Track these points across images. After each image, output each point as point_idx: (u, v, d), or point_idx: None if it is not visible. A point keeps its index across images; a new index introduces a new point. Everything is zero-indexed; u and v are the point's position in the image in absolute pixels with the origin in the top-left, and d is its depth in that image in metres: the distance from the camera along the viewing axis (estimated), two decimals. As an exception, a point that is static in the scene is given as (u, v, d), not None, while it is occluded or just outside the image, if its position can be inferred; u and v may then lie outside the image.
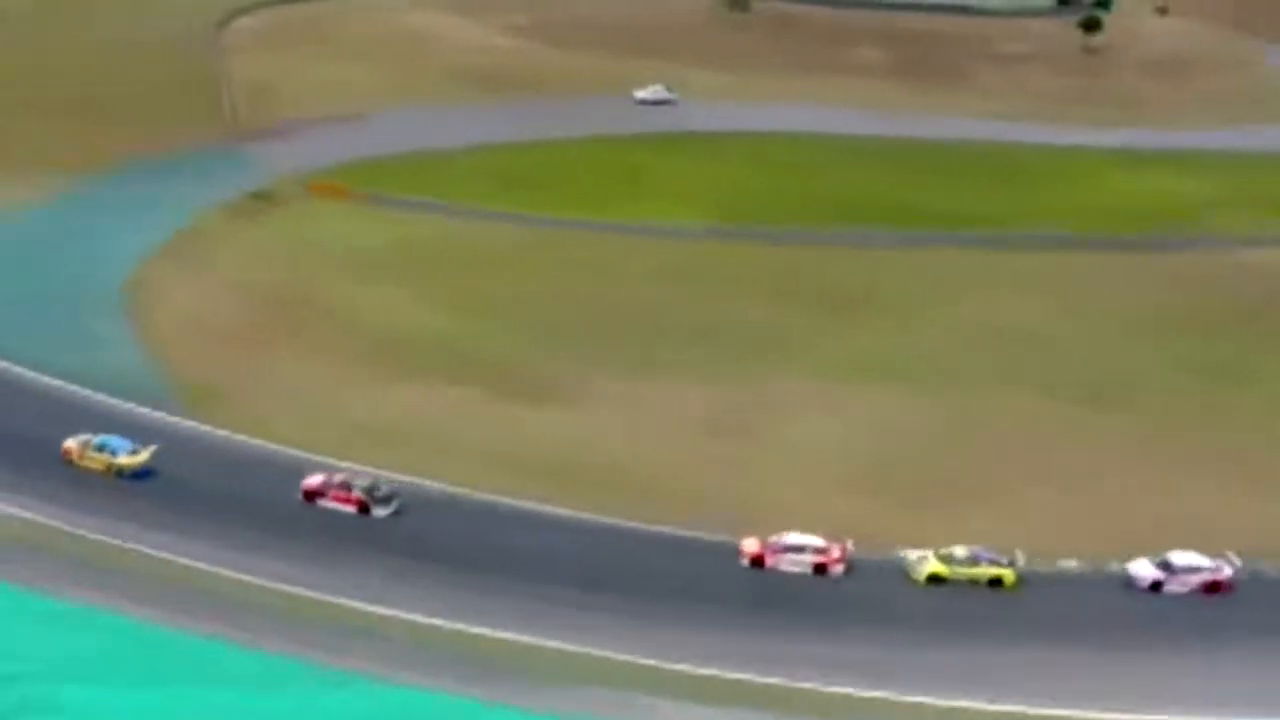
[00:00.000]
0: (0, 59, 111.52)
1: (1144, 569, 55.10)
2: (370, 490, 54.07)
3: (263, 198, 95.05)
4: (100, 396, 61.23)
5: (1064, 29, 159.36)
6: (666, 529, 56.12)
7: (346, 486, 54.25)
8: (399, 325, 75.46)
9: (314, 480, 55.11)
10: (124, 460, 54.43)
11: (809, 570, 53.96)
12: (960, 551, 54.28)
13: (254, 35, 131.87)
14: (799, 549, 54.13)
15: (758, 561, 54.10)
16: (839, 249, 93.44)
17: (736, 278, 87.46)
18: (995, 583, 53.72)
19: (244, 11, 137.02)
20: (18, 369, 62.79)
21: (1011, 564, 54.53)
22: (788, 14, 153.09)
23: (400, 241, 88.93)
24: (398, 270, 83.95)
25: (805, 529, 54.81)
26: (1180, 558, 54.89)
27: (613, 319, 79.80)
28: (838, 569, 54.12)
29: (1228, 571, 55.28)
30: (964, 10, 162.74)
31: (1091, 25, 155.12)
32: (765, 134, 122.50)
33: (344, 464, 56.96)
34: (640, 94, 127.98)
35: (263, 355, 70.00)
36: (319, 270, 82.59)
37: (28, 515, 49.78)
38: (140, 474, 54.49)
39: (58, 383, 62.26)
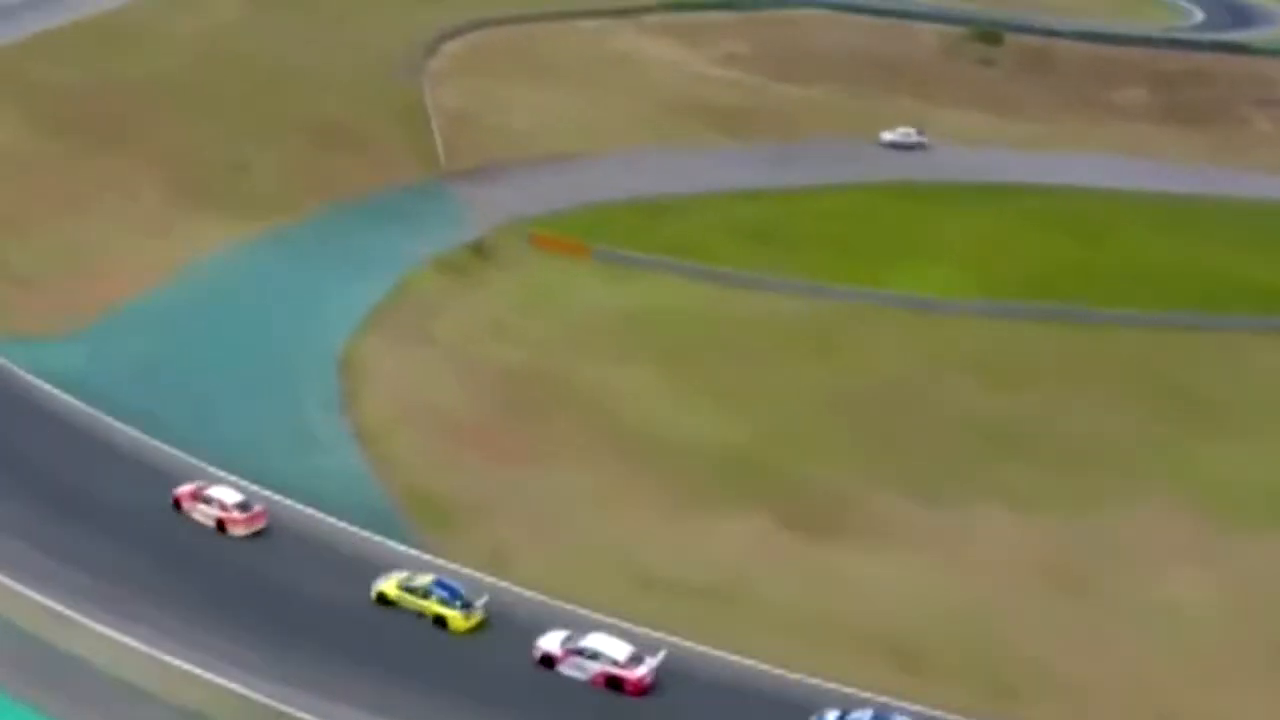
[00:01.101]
0: (202, 82, 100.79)
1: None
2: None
3: (481, 252, 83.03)
4: (330, 521, 48.83)
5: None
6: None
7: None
8: (659, 423, 62.51)
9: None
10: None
11: None
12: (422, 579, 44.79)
13: (461, 61, 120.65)
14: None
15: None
16: (1169, 332, 77.35)
17: (1050, 369, 72.71)
18: (440, 621, 43.68)
19: (451, 35, 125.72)
20: (243, 482, 50.55)
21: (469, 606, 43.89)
22: (1039, 49, 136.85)
23: (644, 311, 76.11)
24: (646, 347, 71.12)
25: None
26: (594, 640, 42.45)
27: (904, 421, 65.80)
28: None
29: (640, 671, 41.87)
30: (1235, 49, 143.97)
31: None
32: (1035, 186, 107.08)
33: (619, 622, 43.62)
34: (888, 136, 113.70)
35: (502, 459, 57.36)
36: (556, 346, 70.08)
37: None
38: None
39: (287, 501, 50.09)
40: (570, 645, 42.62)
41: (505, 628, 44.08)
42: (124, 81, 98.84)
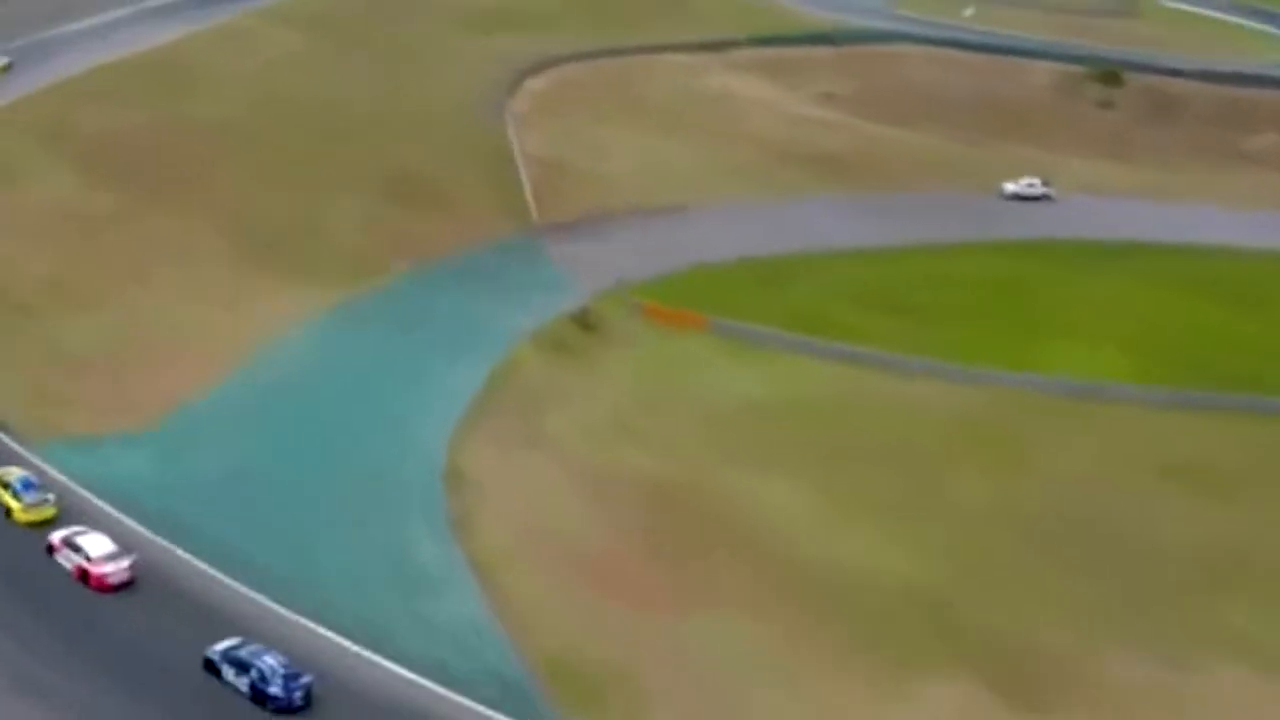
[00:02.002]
0: (265, 126, 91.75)
1: None
2: None
3: (587, 324, 73.35)
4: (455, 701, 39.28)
5: None
6: None
7: None
8: (823, 552, 53.02)
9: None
10: None
11: None
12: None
13: (545, 100, 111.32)
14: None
15: None
16: None
17: (1256, 473, 62.20)
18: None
19: (531, 71, 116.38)
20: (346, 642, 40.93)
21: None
22: (1162, 90, 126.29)
23: (780, 401, 66.60)
24: (790, 449, 61.48)
25: None
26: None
27: (1107, 548, 55.58)
28: None
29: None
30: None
31: None
32: (1176, 245, 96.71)
33: None
34: (1010, 187, 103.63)
35: (649, 605, 47.65)
36: (688, 449, 60.43)
37: None
38: None
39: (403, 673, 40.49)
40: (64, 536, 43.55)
41: None
42: (182, 126, 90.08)
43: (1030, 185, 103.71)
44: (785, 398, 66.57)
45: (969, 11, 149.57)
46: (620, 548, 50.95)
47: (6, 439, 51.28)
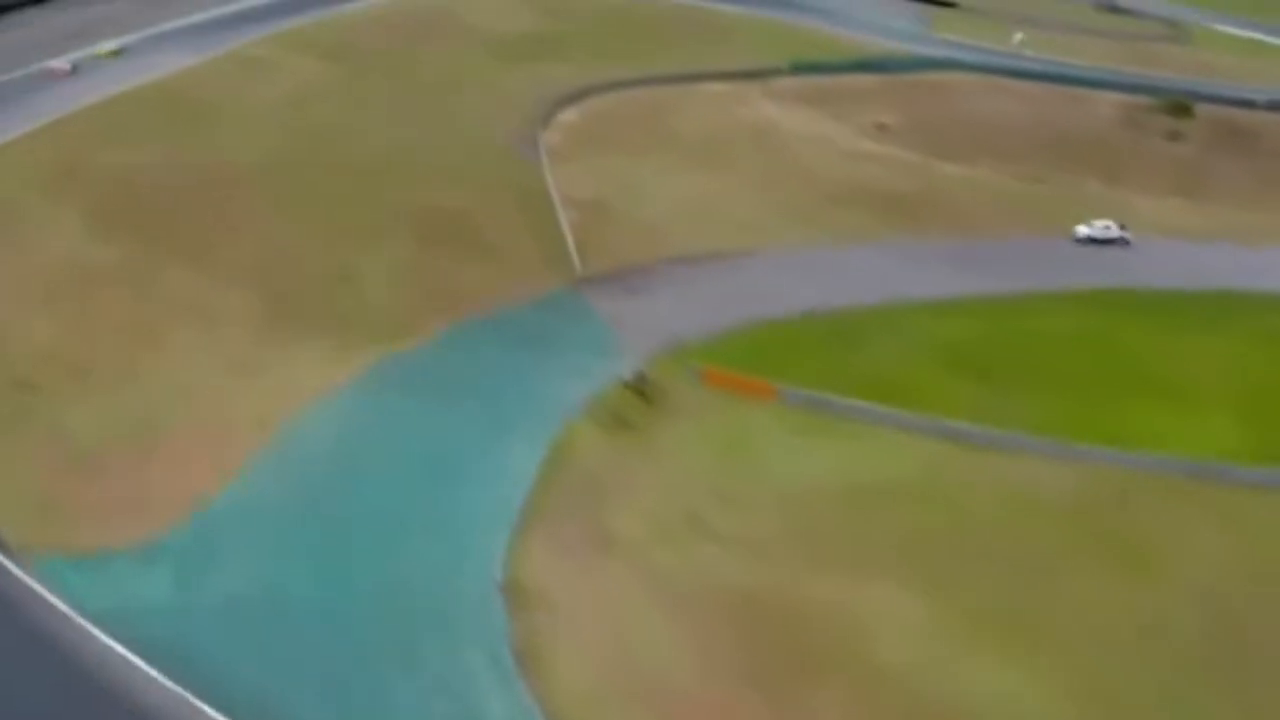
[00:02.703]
0: (289, 165, 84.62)
1: None
2: None
3: (644, 394, 65.95)
4: None
5: None
6: None
7: None
8: (949, 685, 44.89)
9: None
10: None
11: None
12: None
13: (581, 134, 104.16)
14: None
15: None
16: None
17: None
18: None
19: (564, 102, 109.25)
20: None
21: None
22: (1234, 122, 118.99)
23: (868, 486, 59.46)
24: (887, 547, 54.43)
25: None
26: None
27: (1265, 679, 47.55)
28: None
29: None
30: None
31: None
32: (1271, 295, 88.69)
33: None
34: (1084, 230, 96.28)
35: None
36: (774, 550, 53.27)
37: None
38: None
39: None
40: None
41: None
42: (198, 167, 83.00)
43: (1106, 228, 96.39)
44: (872, 481, 59.18)
45: (1019, 37, 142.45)
46: (713, 680, 43.42)
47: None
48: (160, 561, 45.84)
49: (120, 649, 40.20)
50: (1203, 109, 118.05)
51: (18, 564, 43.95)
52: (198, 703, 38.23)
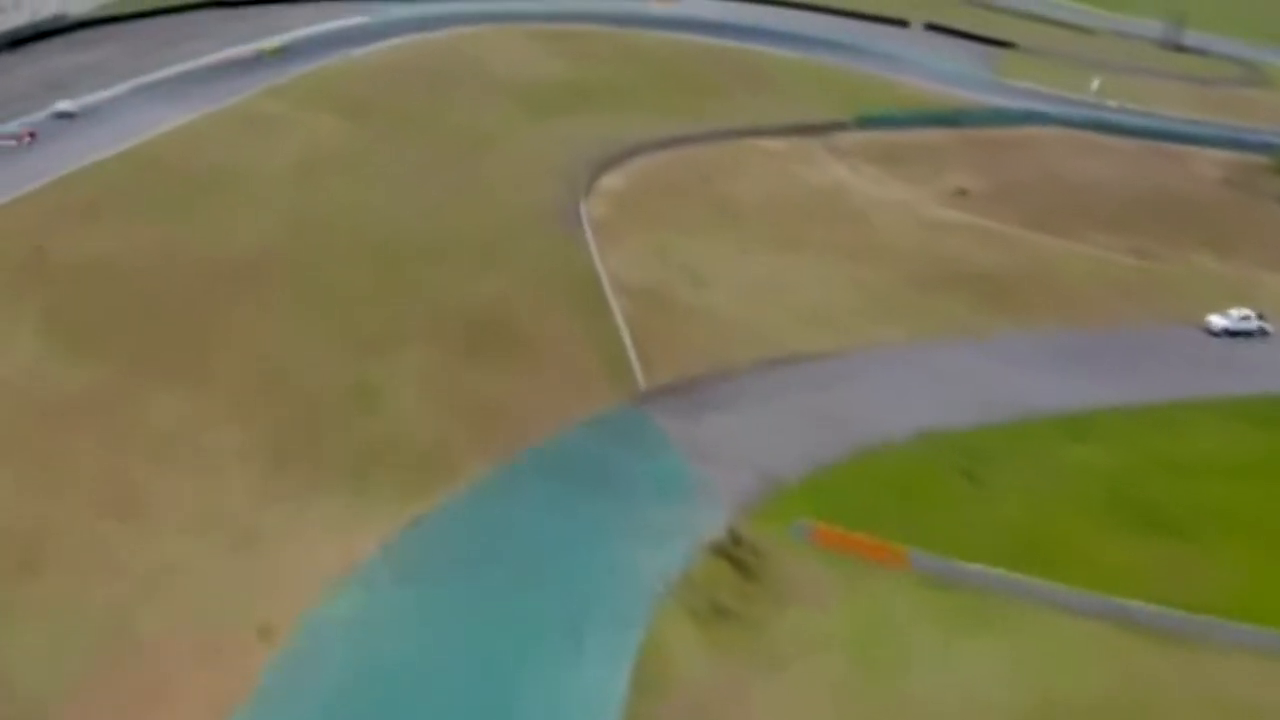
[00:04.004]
0: (298, 251, 71.08)
1: None
2: None
3: (742, 564, 52.10)
4: None
5: None
6: None
7: None
8: None
9: None
10: None
11: None
12: None
13: (628, 203, 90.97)
14: None
15: None
16: None
17: None
18: None
19: (607, 165, 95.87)
20: None
21: None
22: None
23: (1051, 705, 44.64)
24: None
25: None
26: None
27: None
28: None
29: None
30: None
31: None
32: None
33: None
34: (1219, 321, 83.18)
35: None
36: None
37: None
38: None
39: None
40: None
41: None
42: (190, 257, 69.65)
43: (1244, 319, 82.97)
44: (1055, 698, 45.28)
45: (1096, 83, 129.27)
46: None
47: None
48: None
49: None
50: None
51: None
52: None
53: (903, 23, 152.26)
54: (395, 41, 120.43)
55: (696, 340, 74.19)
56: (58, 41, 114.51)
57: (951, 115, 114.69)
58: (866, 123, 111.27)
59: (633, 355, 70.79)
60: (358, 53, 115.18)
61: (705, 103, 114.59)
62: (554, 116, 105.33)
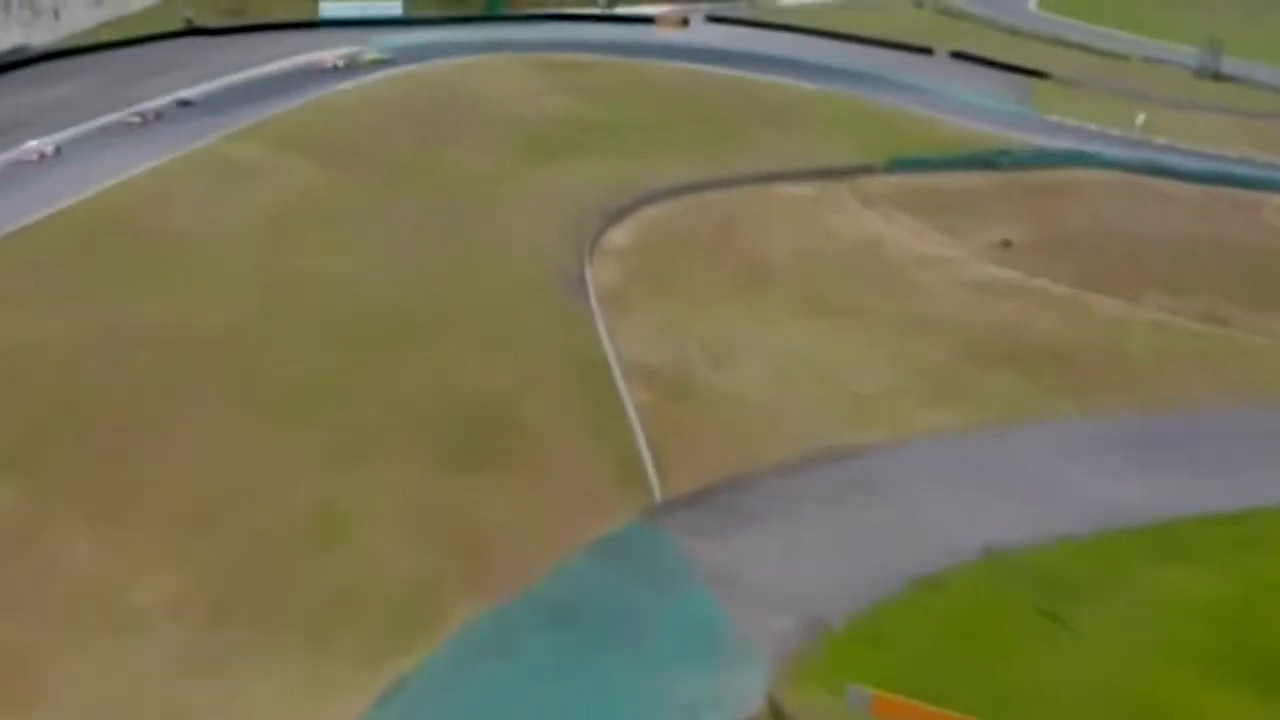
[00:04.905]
0: (260, 335, 60.91)
1: None
2: None
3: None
4: None
5: None
6: None
7: None
8: None
9: None
10: None
11: None
12: None
13: (638, 262, 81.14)
14: None
15: None
16: None
17: None
18: None
19: (614, 217, 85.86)
20: None
21: None
22: None
23: None
24: None
25: None
26: None
27: None
28: None
29: None
30: None
31: None
32: None
33: None
34: (1313, 403, 72.07)
35: None
36: None
37: None
38: None
39: None
40: None
41: None
42: (125, 342, 59.31)
43: (1339, 399, 72.41)
44: None
45: (1141, 118, 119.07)
46: None
47: None
48: None
49: None
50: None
51: None
52: None
53: (927, 50, 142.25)
54: (383, 74, 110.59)
55: (720, 434, 64.04)
56: (15, 77, 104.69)
57: (989, 156, 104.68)
58: (897, 165, 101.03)
59: (647, 457, 60.68)
60: (341, 87, 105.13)
61: (721, 142, 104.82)
62: (556, 159, 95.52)
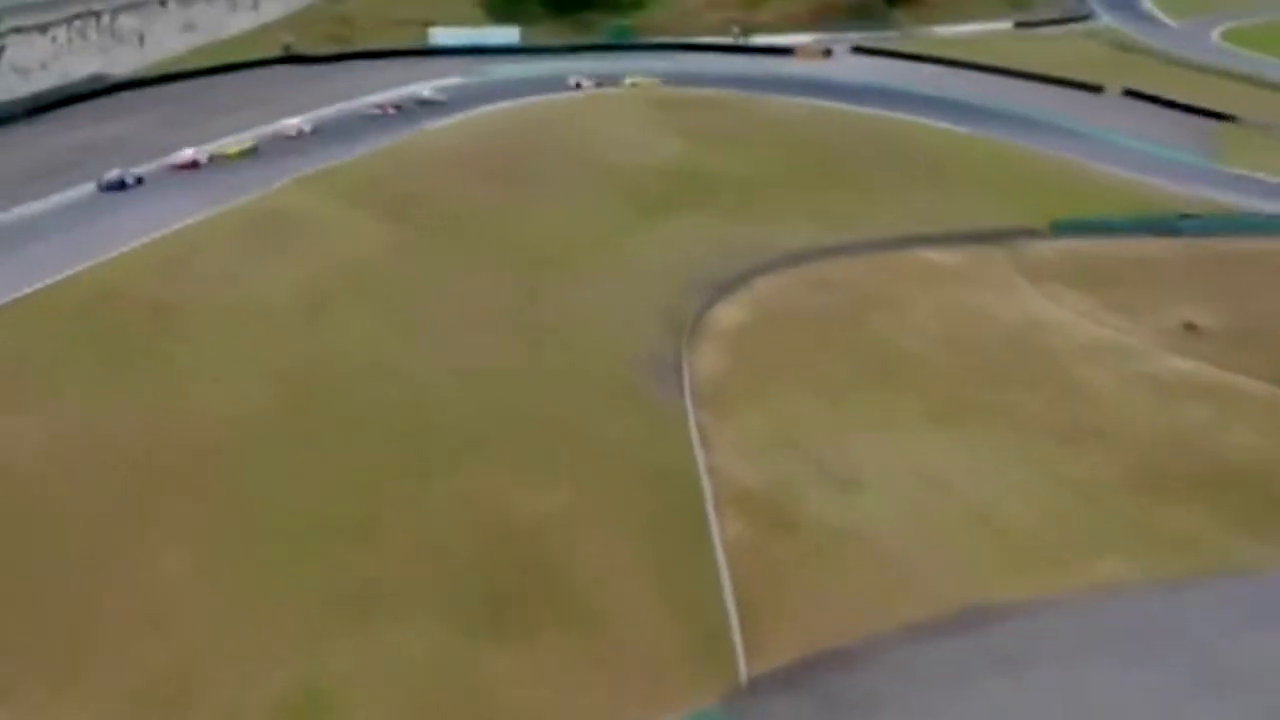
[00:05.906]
0: (299, 438, 49.40)
1: None
2: None
3: None
4: None
5: None
6: None
7: None
8: None
9: None
10: None
11: None
12: None
13: (746, 348, 68.34)
14: None
15: None
16: None
17: None
18: None
19: (724, 290, 73.06)
20: None
21: None
22: None
23: None
24: None
25: None
26: None
27: None
28: None
29: None
30: None
31: None
32: None
33: None
34: None
35: None
36: None
37: None
38: None
39: None
40: None
41: None
42: (98, 448, 47.90)
43: None
44: None
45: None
46: None
47: None
48: None
49: None
50: None
51: None
52: None
53: (1097, 88, 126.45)
54: (481, 110, 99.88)
55: (832, 584, 50.91)
56: (87, 108, 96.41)
57: (1169, 220, 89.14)
58: (1061, 229, 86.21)
59: (734, 616, 47.41)
60: (431, 127, 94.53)
61: (853, 196, 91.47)
62: (660, 217, 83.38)
